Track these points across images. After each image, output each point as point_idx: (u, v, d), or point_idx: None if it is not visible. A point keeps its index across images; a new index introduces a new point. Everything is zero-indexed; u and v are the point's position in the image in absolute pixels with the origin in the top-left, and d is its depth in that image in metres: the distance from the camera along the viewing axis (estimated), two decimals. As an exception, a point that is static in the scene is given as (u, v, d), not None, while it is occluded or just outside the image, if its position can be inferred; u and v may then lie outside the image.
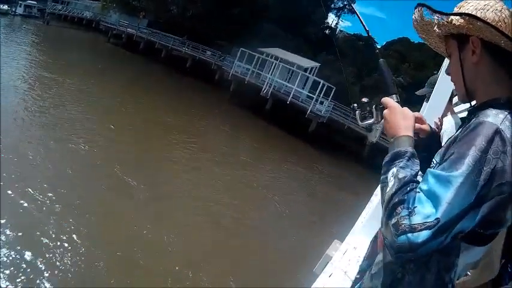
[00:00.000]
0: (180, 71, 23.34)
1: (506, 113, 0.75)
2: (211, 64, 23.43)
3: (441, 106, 2.24)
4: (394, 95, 0.94)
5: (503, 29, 0.76)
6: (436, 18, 0.86)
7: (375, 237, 1.37)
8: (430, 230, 0.68)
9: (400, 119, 0.87)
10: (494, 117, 0.73)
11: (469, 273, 1.25)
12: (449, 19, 0.82)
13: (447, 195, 0.69)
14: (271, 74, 20.29)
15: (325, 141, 17.99)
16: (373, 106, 0.96)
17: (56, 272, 4.28)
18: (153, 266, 4.96)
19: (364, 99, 0.97)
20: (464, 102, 0.92)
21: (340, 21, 42.76)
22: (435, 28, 0.88)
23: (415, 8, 0.89)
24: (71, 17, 38.52)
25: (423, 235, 0.67)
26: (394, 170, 0.77)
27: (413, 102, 2.73)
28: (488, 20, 0.77)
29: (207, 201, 7.57)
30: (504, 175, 0.69)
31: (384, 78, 0.98)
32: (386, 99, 0.92)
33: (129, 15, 30.81)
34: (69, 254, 4.60)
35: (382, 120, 0.92)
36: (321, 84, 19.42)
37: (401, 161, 0.78)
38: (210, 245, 6.05)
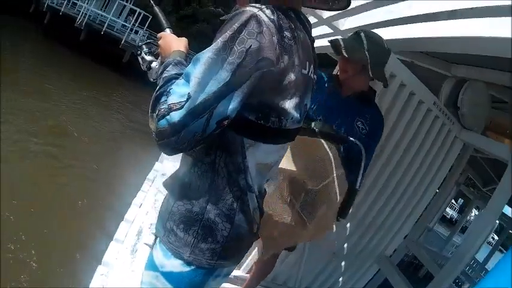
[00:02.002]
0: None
1: (267, 6, 0.74)
2: (28, -5, 21.59)
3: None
4: (167, 29, 1.01)
5: None
6: None
7: None
8: (184, 107, 0.66)
9: (170, 42, 0.91)
10: (251, 7, 0.72)
11: (306, 222, 1.32)
12: None
13: (195, 71, 0.68)
14: (87, 3, 19.69)
15: (139, 71, 18.71)
16: (151, 44, 1.02)
17: None
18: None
19: (142, 43, 1.05)
20: None
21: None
22: None
23: None
24: None
25: (179, 113, 0.66)
26: (162, 76, 0.78)
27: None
28: None
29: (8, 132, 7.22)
30: (261, 52, 0.68)
31: (158, 20, 1.06)
32: (160, 34, 0.98)
33: None
34: None
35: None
36: (137, 12, 19.64)
37: (168, 67, 0.80)
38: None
